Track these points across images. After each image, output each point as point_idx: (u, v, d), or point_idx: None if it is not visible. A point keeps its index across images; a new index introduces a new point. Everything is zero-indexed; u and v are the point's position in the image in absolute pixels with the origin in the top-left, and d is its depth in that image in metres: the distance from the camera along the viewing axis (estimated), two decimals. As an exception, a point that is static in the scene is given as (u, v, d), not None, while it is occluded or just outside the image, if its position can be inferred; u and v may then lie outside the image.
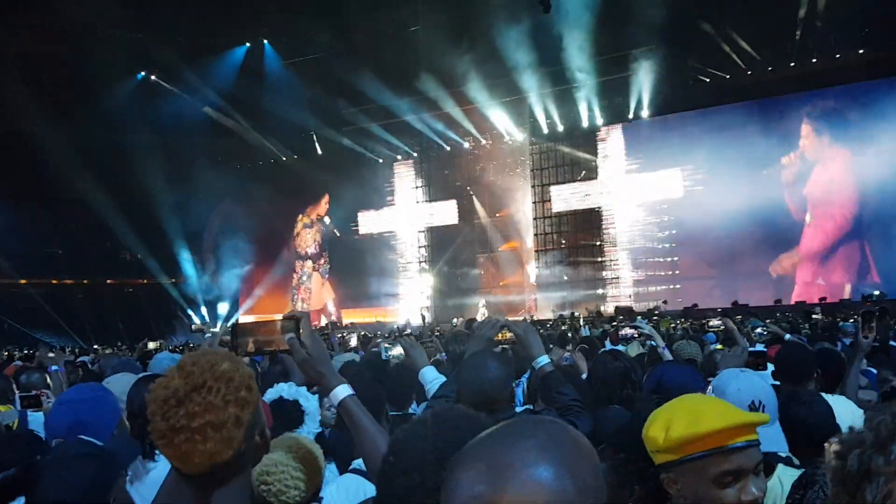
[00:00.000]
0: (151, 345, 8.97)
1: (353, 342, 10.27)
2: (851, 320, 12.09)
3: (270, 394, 3.30)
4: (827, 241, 22.62)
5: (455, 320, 18.19)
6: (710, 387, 2.66)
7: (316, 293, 32.60)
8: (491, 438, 0.87)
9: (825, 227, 22.57)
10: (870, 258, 21.91)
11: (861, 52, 21.60)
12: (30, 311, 25.92)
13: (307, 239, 32.97)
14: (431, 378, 3.19)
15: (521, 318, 21.14)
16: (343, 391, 1.90)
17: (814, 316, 12.83)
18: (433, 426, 1.26)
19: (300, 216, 33.16)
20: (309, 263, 32.85)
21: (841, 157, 22.26)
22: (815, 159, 22.91)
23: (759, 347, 6.60)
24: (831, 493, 0.84)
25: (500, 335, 2.78)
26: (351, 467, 2.88)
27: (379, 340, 9.43)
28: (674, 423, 1.66)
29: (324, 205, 32.59)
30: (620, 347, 7.32)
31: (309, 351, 1.88)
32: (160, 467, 2.78)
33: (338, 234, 32.26)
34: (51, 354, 8.58)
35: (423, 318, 20.95)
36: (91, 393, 2.77)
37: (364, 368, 5.17)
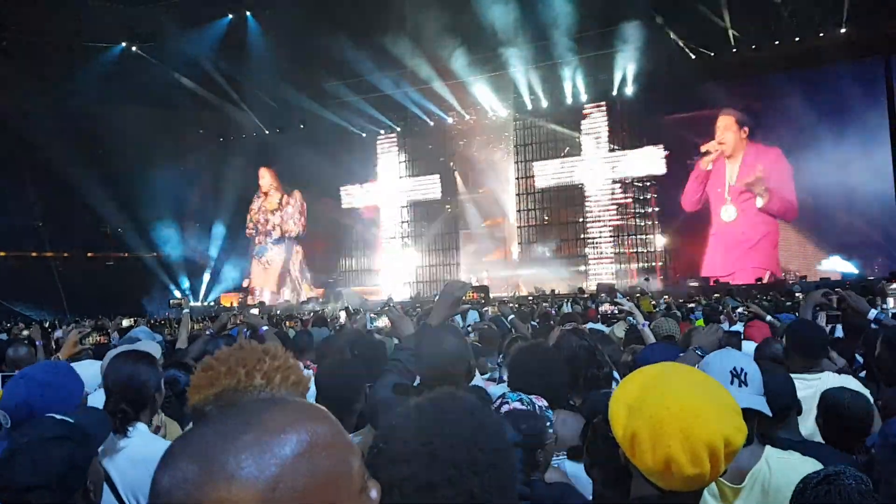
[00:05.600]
0: (125, 322, 8.96)
1: (343, 318, 10.29)
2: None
3: None
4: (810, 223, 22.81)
5: (436, 297, 18.15)
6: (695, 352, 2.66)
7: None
8: (203, 433, 0.81)
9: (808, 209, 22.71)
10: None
11: (843, 30, 21.60)
12: (9, 283, 25.66)
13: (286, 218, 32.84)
14: None
15: (511, 294, 21.29)
16: None
17: (797, 294, 12.92)
18: (432, 416, 1.21)
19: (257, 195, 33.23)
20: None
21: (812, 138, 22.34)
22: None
23: (738, 327, 6.65)
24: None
25: (467, 295, 2.81)
26: None
27: (359, 316, 9.43)
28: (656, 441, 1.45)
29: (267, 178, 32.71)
30: (601, 327, 7.33)
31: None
32: (133, 444, 2.76)
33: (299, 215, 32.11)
34: (25, 332, 8.47)
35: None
36: (52, 376, 2.71)
37: (344, 345, 5.18)
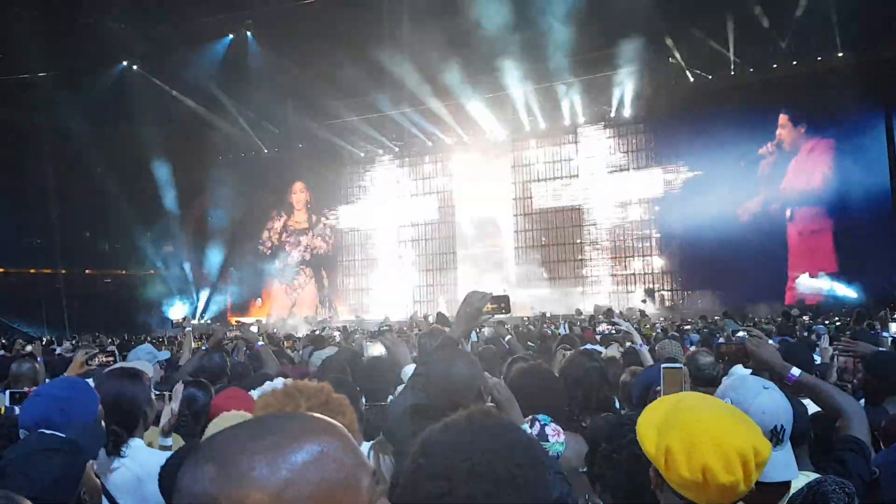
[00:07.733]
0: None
1: (338, 338, 10.34)
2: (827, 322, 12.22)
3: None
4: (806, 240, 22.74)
5: (429, 317, 18.12)
6: (726, 399, 2.46)
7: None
8: (225, 437, 0.89)
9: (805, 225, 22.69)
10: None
11: (840, 55, 21.73)
12: (7, 300, 25.60)
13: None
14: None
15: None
16: None
17: (803, 317, 12.92)
18: (469, 433, 1.22)
19: (277, 216, 33.11)
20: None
21: (817, 156, 22.40)
22: (790, 152, 23.12)
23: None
24: None
25: (487, 307, 2.89)
26: None
27: (357, 336, 9.45)
28: (692, 455, 1.53)
29: (299, 193, 32.61)
30: (599, 348, 7.29)
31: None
32: (126, 464, 2.73)
33: (320, 228, 32.12)
34: (28, 348, 8.46)
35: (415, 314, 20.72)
36: (69, 391, 2.67)
37: (343, 364, 5.15)
